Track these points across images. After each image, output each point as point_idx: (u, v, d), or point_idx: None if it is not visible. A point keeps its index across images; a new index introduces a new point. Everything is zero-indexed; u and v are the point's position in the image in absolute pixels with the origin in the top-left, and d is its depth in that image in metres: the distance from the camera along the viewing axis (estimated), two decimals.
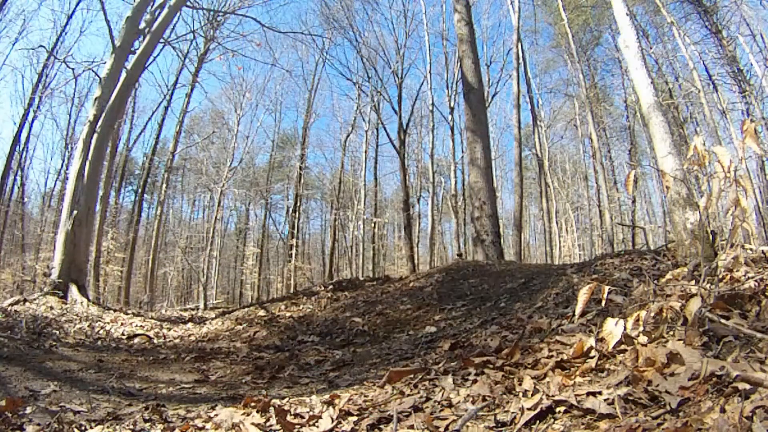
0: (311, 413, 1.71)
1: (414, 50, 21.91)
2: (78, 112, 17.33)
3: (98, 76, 7.43)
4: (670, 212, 3.64)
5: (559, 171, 23.81)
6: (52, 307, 5.48)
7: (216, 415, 1.78)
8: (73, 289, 6.12)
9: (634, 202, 17.12)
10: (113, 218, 16.79)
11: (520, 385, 1.62)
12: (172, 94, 16.03)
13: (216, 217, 17.80)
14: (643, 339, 1.67)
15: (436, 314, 4.41)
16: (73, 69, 10.40)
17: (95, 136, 6.80)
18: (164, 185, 17.43)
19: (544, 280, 4.25)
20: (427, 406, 1.63)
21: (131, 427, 1.76)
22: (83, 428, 1.77)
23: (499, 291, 4.59)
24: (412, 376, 2.07)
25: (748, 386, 1.15)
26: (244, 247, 23.68)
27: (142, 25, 7.81)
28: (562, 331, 2.27)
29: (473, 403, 1.56)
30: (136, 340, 4.79)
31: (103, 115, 6.90)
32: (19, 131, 15.34)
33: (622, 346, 1.66)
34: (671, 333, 1.65)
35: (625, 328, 1.62)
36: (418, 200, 22.46)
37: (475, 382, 1.76)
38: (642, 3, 14.83)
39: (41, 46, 14.08)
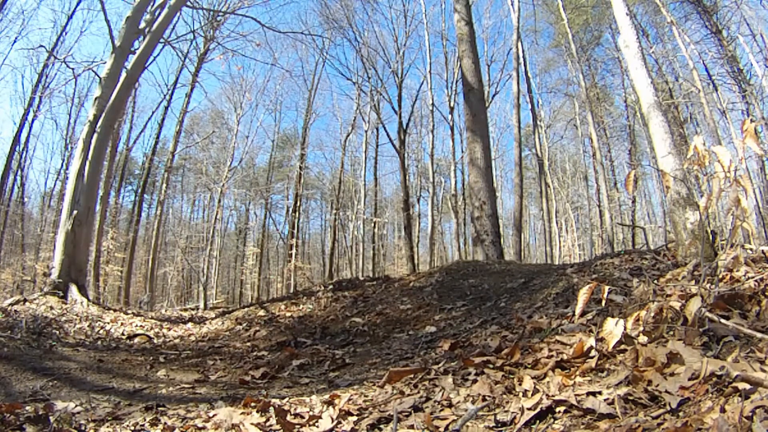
0: (311, 413, 1.71)
1: (414, 50, 21.96)
2: (78, 112, 17.37)
3: (98, 76, 7.42)
4: (670, 212, 3.63)
5: (559, 171, 23.80)
6: (52, 307, 5.47)
7: (216, 415, 1.78)
8: (73, 289, 6.11)
9: (634, 202, 17.13)
10: (113, 218, 16.80)
11: (520, 385, 1.62)
12: (172, 94, 16.05)
13: (216, 217, 17.81)
14: (643, 339, 1.67)
15: (436, 314, 4.41)
16: (73, 69, 10.37)
17: (95, 136, 6.79)
18: (164, 185, 17.43)
19: (544, 280, 4.25)
20: (427, 406, 1.63)
21: (131, 427, 1.76)
22: (83, 428, 1.77)
23: (499, 291, 4.59)
24: (412, 376, 2.07)
25: (748, 386, 1.15)
26: (244, 247, 23.70)
27: (142, 25, 7.80)
28: (562, 330, 2.27)
29: (473, 403, 1.56)
30: (136, 340, 4.79)
31: (103, 115, 6.90)
32: (19, 131, 15.37)
33: (622, 346, 1.66)
34: (671, 333, 1.65)
35: (625, 328, 1.62)
36: (418, 200, 22.49)
37: (475, 382, 1.76)
38: (642, 3, 14.85)
39: (41, 46, 14.10)
